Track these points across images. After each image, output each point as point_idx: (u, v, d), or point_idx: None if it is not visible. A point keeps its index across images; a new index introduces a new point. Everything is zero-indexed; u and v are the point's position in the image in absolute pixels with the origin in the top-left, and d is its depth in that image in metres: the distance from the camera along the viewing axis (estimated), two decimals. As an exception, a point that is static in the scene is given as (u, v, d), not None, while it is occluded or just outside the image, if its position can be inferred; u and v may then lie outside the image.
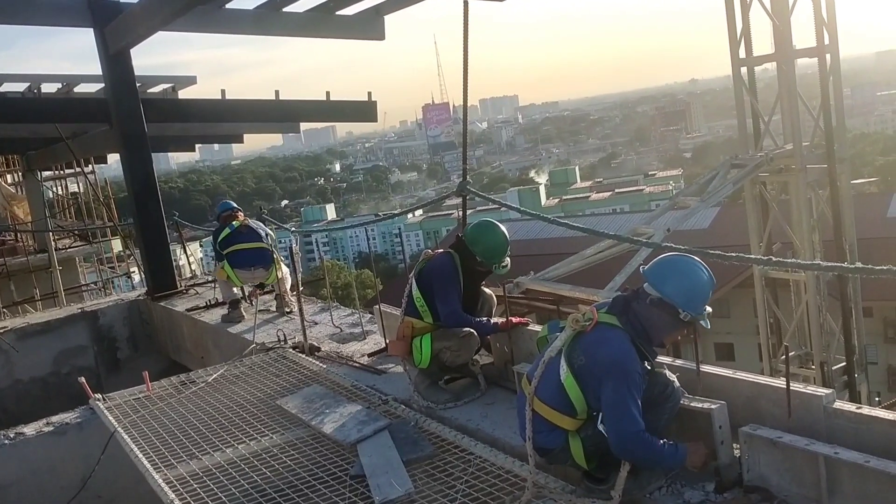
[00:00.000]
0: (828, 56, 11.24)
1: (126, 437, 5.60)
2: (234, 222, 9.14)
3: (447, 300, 5.41)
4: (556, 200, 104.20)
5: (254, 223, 9.18)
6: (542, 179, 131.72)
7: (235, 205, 9.60)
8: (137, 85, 11.11)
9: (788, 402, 3.81)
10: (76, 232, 19.22)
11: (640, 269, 3.95)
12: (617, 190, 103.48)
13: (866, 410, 3.74)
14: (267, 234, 9.09)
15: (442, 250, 5.73)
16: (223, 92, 12.49)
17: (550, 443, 3.94)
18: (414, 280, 5.55)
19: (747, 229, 12.52)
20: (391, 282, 43.67)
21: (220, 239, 9.09)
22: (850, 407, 3.76)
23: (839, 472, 3.49)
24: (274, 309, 9.10)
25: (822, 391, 3.84)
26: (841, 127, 11.96)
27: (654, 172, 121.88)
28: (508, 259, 5.51)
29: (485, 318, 5.57)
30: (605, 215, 60.44)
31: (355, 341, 7.42)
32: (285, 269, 9.03)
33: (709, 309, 3.83)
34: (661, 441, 3.73)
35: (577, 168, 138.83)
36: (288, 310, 8.89)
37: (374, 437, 4.89)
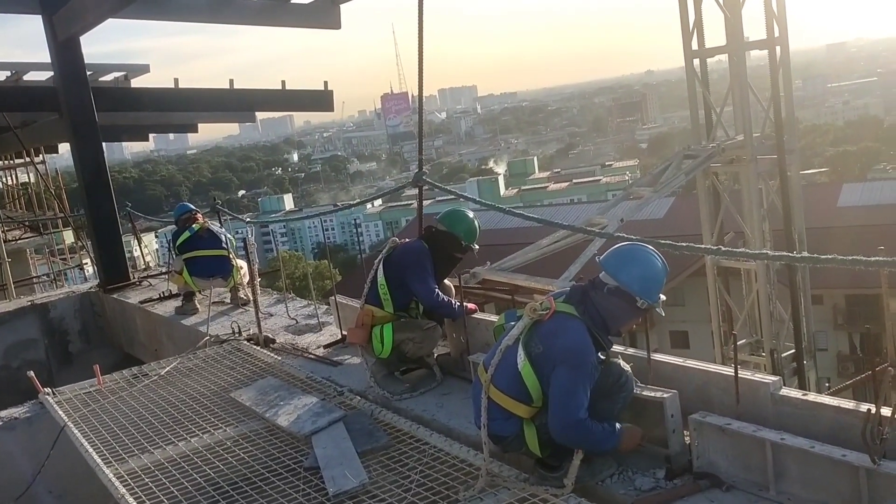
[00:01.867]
0: (778, 48, 11.42)
1: (76, 431, 5.53)
2: (193, 225, 8.95)
3: (425, 280, 5.45)
4: (515, 191, 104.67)
5: (214, 227, 9.02)
6: (501, 170, 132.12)
7: (193, 207, 9.44)
8: (88, 73, 10.92)
9: (737, 390, 3.88)
10: (26, 223, 18.85)
11: (596, 259, 4.00)
12: (575, 180, 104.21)
13: (812, 397, 3.82)
14: (227, 240, 8.93)
15: (409, 239, 5.76)
16: (176, 81, 12.32)
17: (505, 430, 3.97)
18: (381, 266, 5.54)
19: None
20: (350, 273, 43.52)
21: (178, 243, 8.93)
22: (796, 394, 3.84)
23: (785, 457, 3.56)
24: (229, 301, 9.02)
25: (770, 378, 3.92)
26: (791, 118, 12.17)
27: (610, 163, 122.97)
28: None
29: (455, 302, 5.61)
30: (563, 205, 60.78)
31: (311, 333, 7.38)
32: (242, 263, 8.92)
33: (663, 297, 3.90)
34: (602, 425, 3.79)
35: (535, 158, 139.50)
36: (243, 302, 8.81)
37: (329, 428, 4.88)
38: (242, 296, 8.84)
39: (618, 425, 3.86)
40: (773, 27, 11.29)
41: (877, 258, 3.51)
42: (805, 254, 3.89)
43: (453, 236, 5.58)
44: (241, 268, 8.84)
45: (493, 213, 36.24)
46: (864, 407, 3.44)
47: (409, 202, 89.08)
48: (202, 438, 5.15)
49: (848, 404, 3.61)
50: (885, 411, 3.35)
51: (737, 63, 11.61)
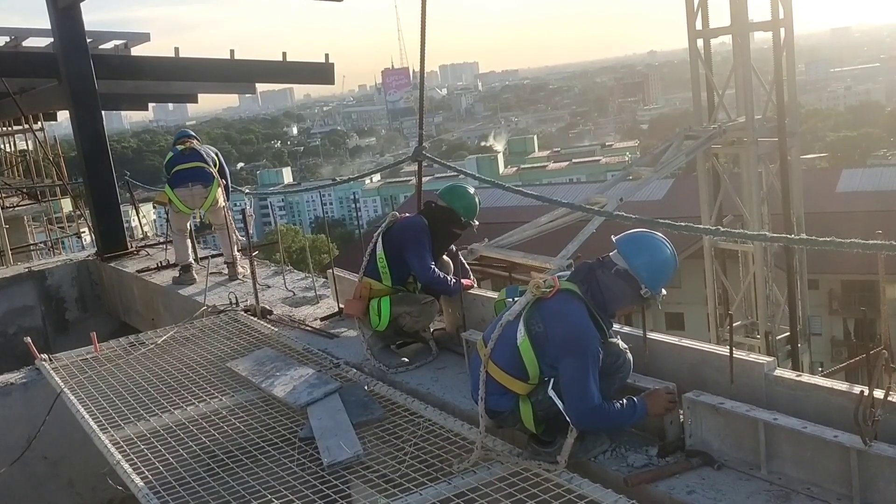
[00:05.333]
0: (782, 30, 11.35)
1: (73, 397, 5.54)
2: (178, 146, 9.03)
3: (422, 256, 5.48)
4: (514, 169, 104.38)
5: (201, 147, 9.01)
6: (501, 147, 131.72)
7: (192, 133, 9.47)
8: (88, 41, 10.82)
9: (731, 370, 3.90)
10: (24, 190, 18.79)
11: (612, 238, 3.99)
12: (574, 160, 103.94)
13: (805, 378, 3.85)
14: (209, 156, 8.92)
15: (409, 214, 5.78)
16: (176, 50, 12.22)
17: (501, 406, 3.99)
18: (380, 239, 5.56)
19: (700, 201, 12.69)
20: (348, 247, 43.49)
21: (165, 164, 9.03)
22: (790, 374, 3.87)
23: (778, 437, 3.59)
24: (226, 273, 9.01)
25: (764, 359, 3.95)
26: (793, 101, 12.13)
27: (611, 143, 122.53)
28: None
29: (451, 278, 5.62)
30: (563, 185, 60.64)
31: (308, 305, 7.40)
32: (221, 199, 8.91)
33: (664, 291, 3.91)
34: (618, 403, 3.81)
35: (535, 137, 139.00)
36: (241, 275, 8.81)
37: (325, 399, 4.91)
38: (240, 269, 8.84)
39: (635, 399, 3.88)
40: (777, 9, 11.23)
41: (874, 241, 3.51)
42: (803, 236, 3.89)
43: (453, 212, 5.60)
44: (223, 182, 8.93)
45: (492, 191, 36.19)
46: (856, 389, 3.46)
47: (408, 178, 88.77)
48: (198, 407, 5.17)
49: (841, 386, 3.64)
50: (878, 394, 3.38)
51: (740, 44, 11.56)
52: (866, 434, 3.29)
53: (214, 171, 8.90)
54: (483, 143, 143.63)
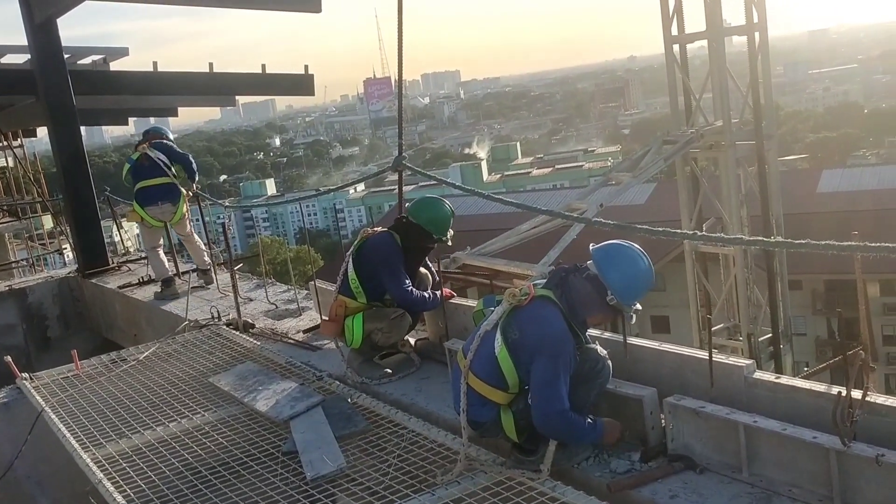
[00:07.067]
0: (756, 34, 11.44)
1: (54, 416, 5.51)
2: (133, 155, 9.01)
3: (396, 277, 5.39)
4: (498, 176, 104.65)
5: (153, 153, 8.92)
6: (484, 155, 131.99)
7: (156, 130, 9.43)
8: (66, 56, 10.78)
9: (711, 373, 3.92)
10: (4, 208, 18.64)
11: (590, 247, 4.00)
12: (557, 166, 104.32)
13: (784, 380, 3.87)
14: (169, 167, 8.91)
15: (381, 229, 5.72)
16: (155, 64, 12.20)
17: (483, 416, 3.99)
18: (351, 259, 5.52)
19: (680, 205, 12.73)
20: (333, 258, 43.40)
21: (125, 176, 9.04)
22: (769, 377, 3.89)
23: (758, 439, 3.61)
24: (202, 283, 9.04)
25: (744, 362, 3.97)
26: (770, 104, 12.22)
27: (593, 149, 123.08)
28: (451, 231, 5.59)
29: (428, 294, 5.58)
30: (546, 191, 60.86)
31: (290, 318, 7.37)
32: (188, 212, 9.03)
33: (638, 306, 3.90)
34: (584, 419, 3.82)
35: (518, 144, 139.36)
36: (208, 281, 8.96)
37: (308, 413, 4.89)
38: (207, 270, 9.01)
39: (599, 419, 3.90)
40: (752, 13, 11.31)
41: (849, 243, 3.54)
42: (779, 238, 3.93)
43: (423, 228, 5.46)
44: (189, 194, 9.07)
45: (475, 199, 36.20)
46: (835, 390, 3.49)
47: (393, 187, 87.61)
48: (180, 423, 5.15)
49: (820, 387, 3.66)
50: (856, 394, 3.40)
51: (716, 49, 11.63)
52: (845, 435, 3.31)
53: (177, 182, 8.93)
54: (466, 151, 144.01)
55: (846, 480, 3.32)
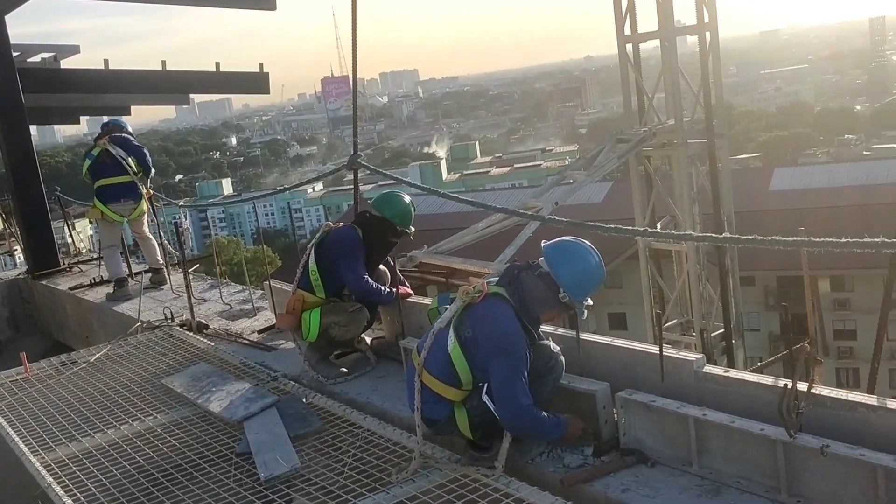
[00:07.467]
0: (708, 34, 11.62)
1: (2, 420, 5.41)
2: (93, 151, 8.89)
3: (354, 268, 5.42)
4: (458, 175, 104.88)
5: (114, 149, 8.82)
6: (443, 154, 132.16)
7: (115, 122, 9.35)
8: (15, 54, 10.60)
9: (661, 368, 3.97)
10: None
11: (542, 244, 4.03)
12: (516, 165, 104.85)
13: (733, 374, 3.94)
14: (129, 165, 8.82)
15: (343, 223, 5.73)
16: (106, 62, 11.99)
17: (437, 414, 4.00)
18: (313, 251, 5.51)
19: (636, 203, 12.86)
20: (291, 258, 43.09)
21: (85, 172, 8.96)
22: (718, 370, 3.95)
23: (708, 432, 3.66)
24: (159, 286, 8.94)
25: (693, 356, 4.03)
26: (720, 103, 12.40)
27: (551, 148, 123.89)
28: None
29: (385, 288, 5.59)
30: (505, 190, 61.21)
31: (245, 318, 7.32)
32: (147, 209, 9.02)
33: (590, 301, 3.95)
34: (546, 414, 3.85)
35: (477, 143, 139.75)
36: (159, 281, 8.91)
37: (262, 413, 4.85)
38: (160, 268, 8.99)
39: (562, 416, 3.92)
40: (702, 13, 11.48)
41: (794, 238, 3.62)
42: (726, 234, 4.00)
43: (387, 221, 5.55)
44: (149, 193, 9.11)
45: (434, 198, 36.25)
46: (782, 383, 3.55)
47: (350, 186, 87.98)
48: (132, 426, 5.07)
49: (767, 380, 3.73)
50: (802, 387, 3.47)
51: (668, 48, 11.77)
52: (791, 426, 3.37)
53: (137, 179, 8.86)
54: (426, 150, 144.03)
55: (793, 471, 3.38)
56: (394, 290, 5.56)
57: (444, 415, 3.99)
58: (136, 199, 8.86)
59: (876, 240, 3.24)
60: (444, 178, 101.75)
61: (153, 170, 9.20)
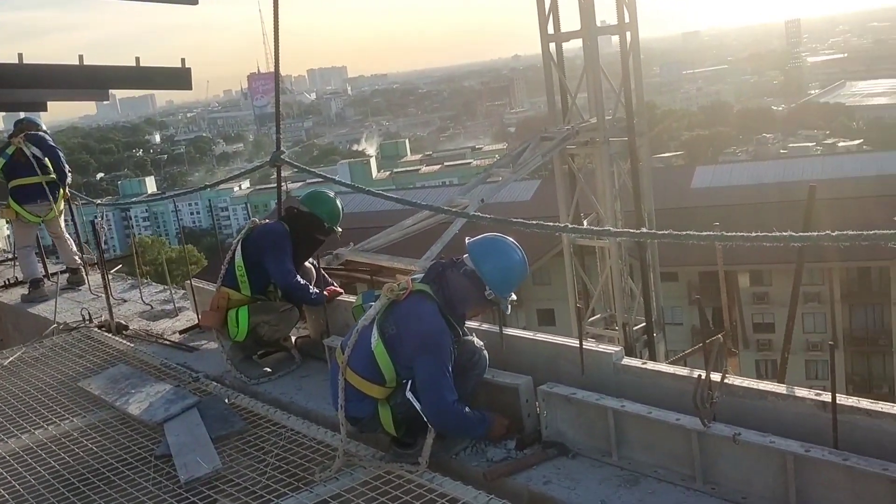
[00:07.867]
0: (628, 34, 11.85)
1: None
2: (7, 150, 8.63)
3: (281, 261, 5.38)
4: (388, 173, 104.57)
5: (29, 149, 8.58)
6: (373, 152, 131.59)
7: (29, 120, 9.05)
8: (-82, 46, 10.12)
9: (581, 360, 4.04)
10: None
11: (466, 241, 4.06)
12: (446, 163, 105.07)
13: (650, 365, 4.03)
14: (45, 166, 8.60)
15: (269, 220, 5.69)
16: (20, 56, 11.55)
17: (361, 412, 4.00)
18: (239, 246, 5.44)
19: (562, 201, 13.04)
20: (216, 257, 42.36)
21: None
22: (636, 363, 4.05)
23: (626, 423, 3.75)
24: (76, 287, 8.70)
25: (612, 349, 4.11)
26: (641, 102, 12.66)
27: (480, 146, 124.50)
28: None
29: (314, 289, 5.54)
30: (436, 188, 61.23)
31: (167, 318, 7.18)
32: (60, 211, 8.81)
33: (514, 297, 4.02)
34: (470, 411, 3.88)
35: (407, 141, 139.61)
36: (76, 281, 8.71)
37: (183, 415, 4.77)
38: (78, 268, 8.78)
39: (487, 413, 3.96)
40: (623, 13, 11.70)
41: (707, 233, 3.71)
42: (644, 230, 4.09)
43: (315, 217, 5.54)
44: (66, 194, 8.86)
45: (363, 197, 36.10)
46: (696, 373, 3.65)
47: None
48: (47, 430, 4.93)
49: (682, 371, 3.83)
50: (715, 377, 3.57)
51: (590, 48, 11.96)
52: (705, 416, 3.47)
53: (53, 179, 8.63)
54: (355, 148, 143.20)
55: (707, 459, 3.48)
56: (324, 292, 5.53)
57: (369, 412, 3.99)
58: (52, 199, 8.61)
59: (784, 234, 3.34)
60: (374, 176, 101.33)
61: (69, 175, 8.91)
